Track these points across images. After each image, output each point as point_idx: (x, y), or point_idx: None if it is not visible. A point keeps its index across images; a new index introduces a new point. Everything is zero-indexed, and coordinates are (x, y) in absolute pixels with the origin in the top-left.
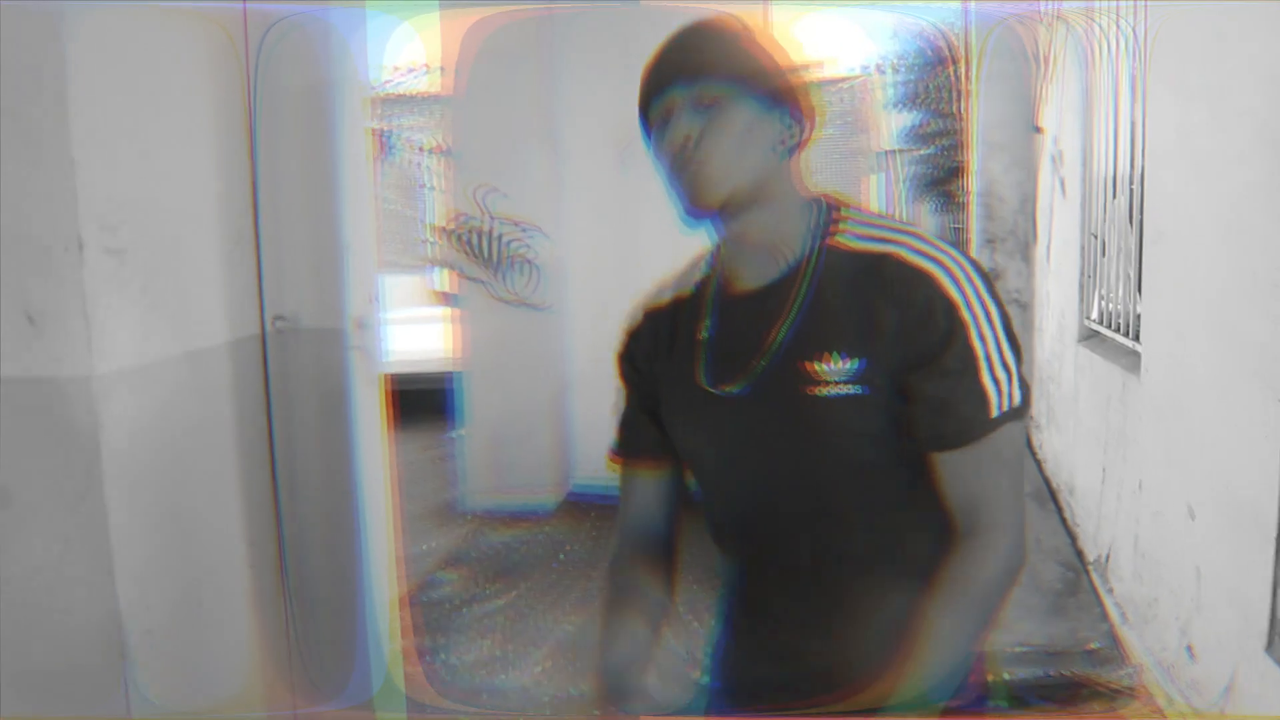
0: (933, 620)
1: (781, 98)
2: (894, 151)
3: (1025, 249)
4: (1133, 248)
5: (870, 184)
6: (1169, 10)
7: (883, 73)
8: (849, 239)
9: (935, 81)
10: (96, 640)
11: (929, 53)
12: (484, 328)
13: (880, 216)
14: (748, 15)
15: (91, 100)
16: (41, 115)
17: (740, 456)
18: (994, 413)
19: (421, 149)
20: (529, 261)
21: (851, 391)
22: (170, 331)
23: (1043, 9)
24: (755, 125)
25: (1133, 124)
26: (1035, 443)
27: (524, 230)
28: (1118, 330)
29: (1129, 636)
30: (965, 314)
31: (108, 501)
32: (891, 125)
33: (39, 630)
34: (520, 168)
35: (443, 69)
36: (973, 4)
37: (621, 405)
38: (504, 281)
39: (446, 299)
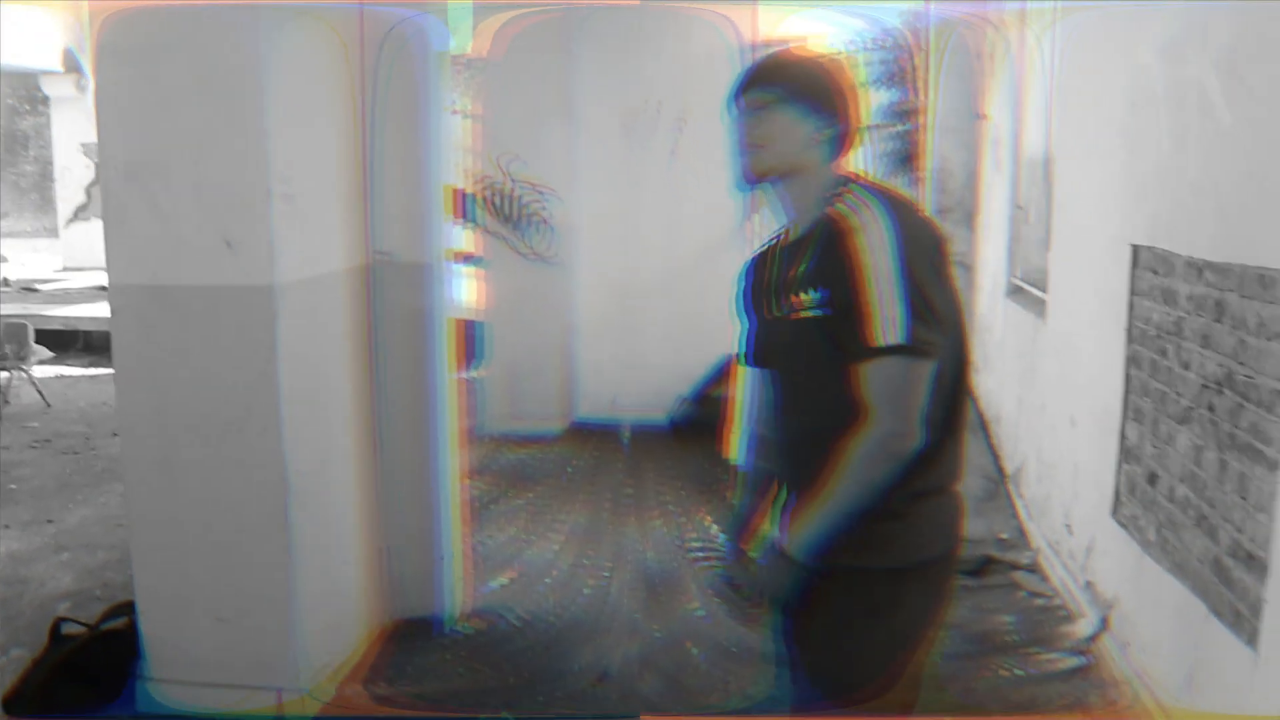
0: (825, 477)
1: (818, 106)
2: (873, 127)
3: (970, 218)
4: (1045, 217)
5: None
6: (1076, 21)
7: (864, 51)
8: (837, 209)
9: (906, 66)
10: (261, 480)
11: (900, 41)
12: (503, 279)
13: (864, 189)
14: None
15: (275, 88)
16: (242, 98)
17: (773, 360)
18: (876, 343)
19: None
20: (544, 221)
21: (817, 314)
22: (317, 256)
23: (989, 11)
24: (792, 125)
25: (1047, 114)
26: (974, 383)
27: (541, 193)
28: (1034, 285)
29: (1031, 527)
30: (865, 263)
31: (279, 372)
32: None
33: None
34: (539, 138)
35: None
36: (933, 6)
37: (740, 323)
38: (522, 238)
39: (468, 258)
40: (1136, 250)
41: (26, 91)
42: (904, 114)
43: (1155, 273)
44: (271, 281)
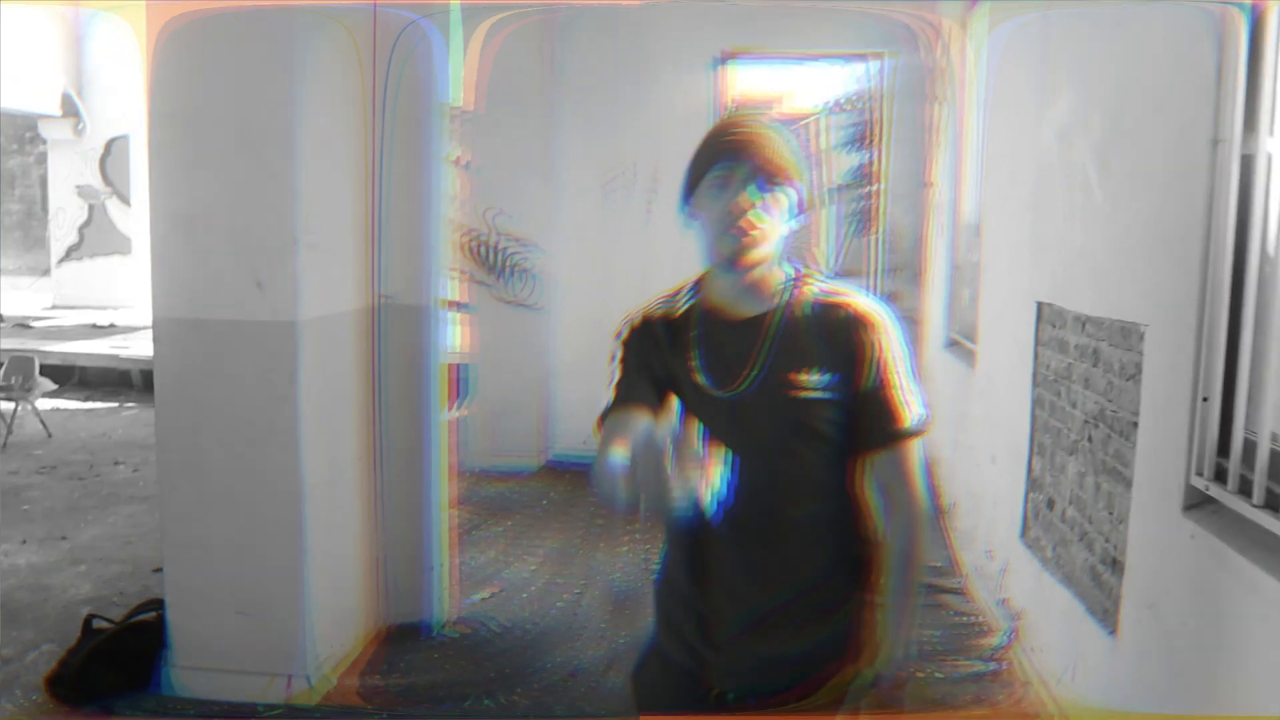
0: (886, 573)
1: (799, 190)
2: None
3: (917, 277)
4: (975, 276)
5: (821, 217)
6: (1002, 98)
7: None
8: (812, 293)
9: (869, 131)
10: (280, 489)
11: (865, 103)
12: (487, 323)
13: (832, 281)
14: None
15: (302, 150)
16: (274, 158)
17: (735, 437)
18: (905, 426)
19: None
20: (526, 270)
21: (822, 395)
22: (332, 297)
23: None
24: (788, 209)
25: (979, 183)
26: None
27: (523, 245)
28: (967, 337)
29: (961, 556)
30: (889, 353)
31: (297, 393)
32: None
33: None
34: (522, 194)
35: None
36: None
37: (618, 376)
38: (505, 286)
39: (455, 306)
40: (1040, 306)
41: (14, 131)
42: (866, 177)
43: (1053, 325)
44: (295, 319)
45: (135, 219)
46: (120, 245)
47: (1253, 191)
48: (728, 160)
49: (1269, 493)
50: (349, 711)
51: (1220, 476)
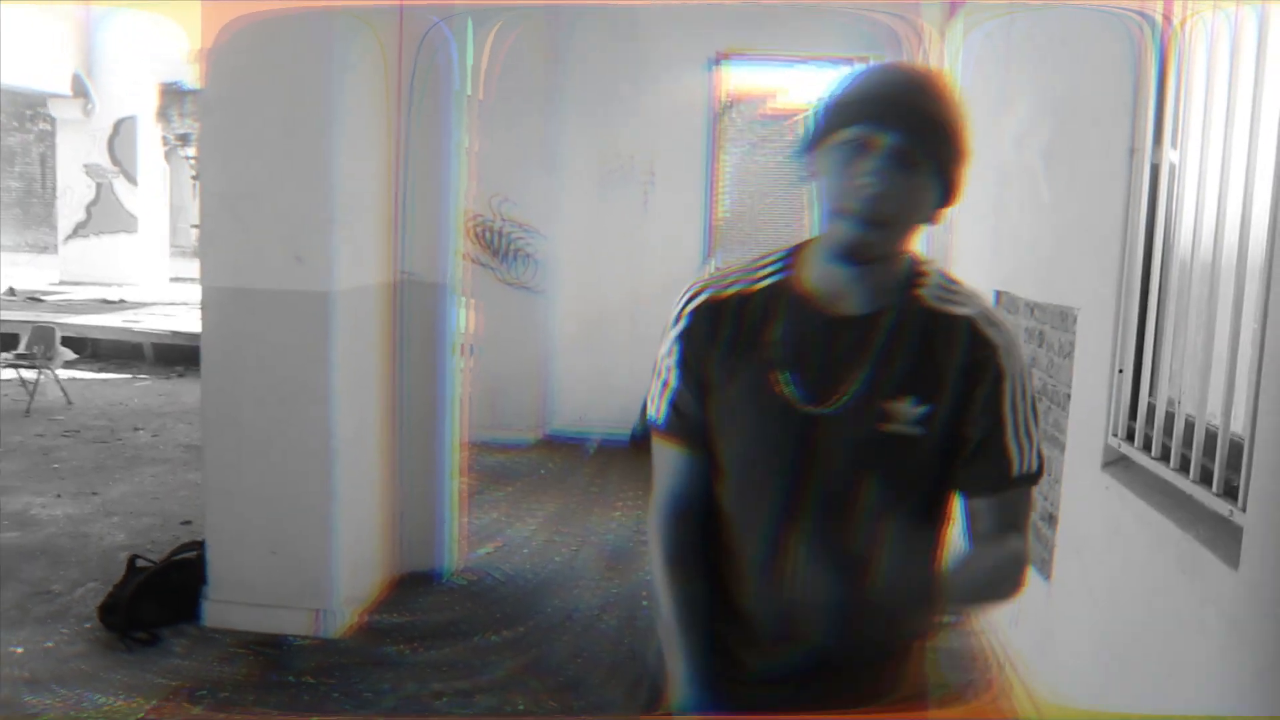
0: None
1: (954, 173)
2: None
3: None
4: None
5: (809, 211)
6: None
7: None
8: (929, 296)
9: None
10: (313, 444)
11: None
12: (490, 305)
13: (954, 282)
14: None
15: (337, 134)
16: (313, 140)
17: (805, 470)
18: (1014, 474)
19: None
20: (528, 255)
21: (913, 431)
22: (362, 271)
23: None
24: (934, 194)
25: None
26: None
27: (526, 231)
28: None
29: None
30: (1008, 386)
31: (330, 356)
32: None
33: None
34: (526, 182)
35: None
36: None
37: (673, 384)
38: (507, 269)
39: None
40: (999, 294)
41: (14, 109)
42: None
43: (1009, 312)
44: (330, 289)
45: (141, 198)
46: (126, 223)
47: (1158, 197)
48: (880, 119)
49: (1165, 448)
50: (369, 644)
51: (1131, 437)
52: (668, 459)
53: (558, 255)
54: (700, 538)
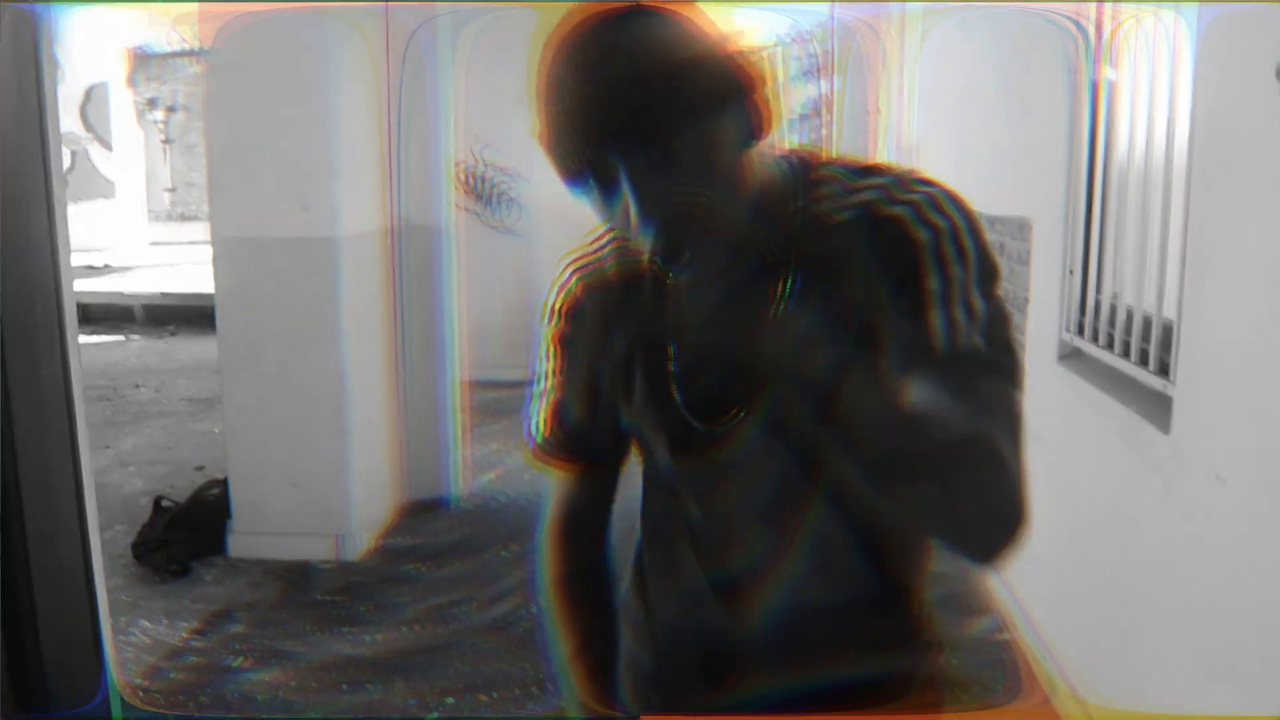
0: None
1: (738, 97)
2: (803, 117)
3: None
4: None
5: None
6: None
7: (786, 46)
8: (830, 209)
9: (823, 62)
10: (326, 382)
11: (818, 37)
12: (475, 248)
13: (862, 170)
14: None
15: (335, 90)
16: (314, 96)
17: (725, 494)
18: (956, 342)
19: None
20: (512, 199)
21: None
22: (363, 218)
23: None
24: (731, 136)
25: (918, 110)
26: None
27: (508, 175)
28: None
29: None
30: (928, 250)
31: (340, 301)
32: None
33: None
34: (507, 128)
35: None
36: (837, 10)
37: (551, 392)
38: (492, 213)
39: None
40: None
41: None
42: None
43: None
44: (335, 235)
45: (117, 164)
46: (104, 189)
47: (1097, 116)
48: (601, 147)
49: (1110, 337)
50: (388, 564)
51: (1082, 331)
52: (564, 492)
53: (539, 198)
54: (600, 559)
